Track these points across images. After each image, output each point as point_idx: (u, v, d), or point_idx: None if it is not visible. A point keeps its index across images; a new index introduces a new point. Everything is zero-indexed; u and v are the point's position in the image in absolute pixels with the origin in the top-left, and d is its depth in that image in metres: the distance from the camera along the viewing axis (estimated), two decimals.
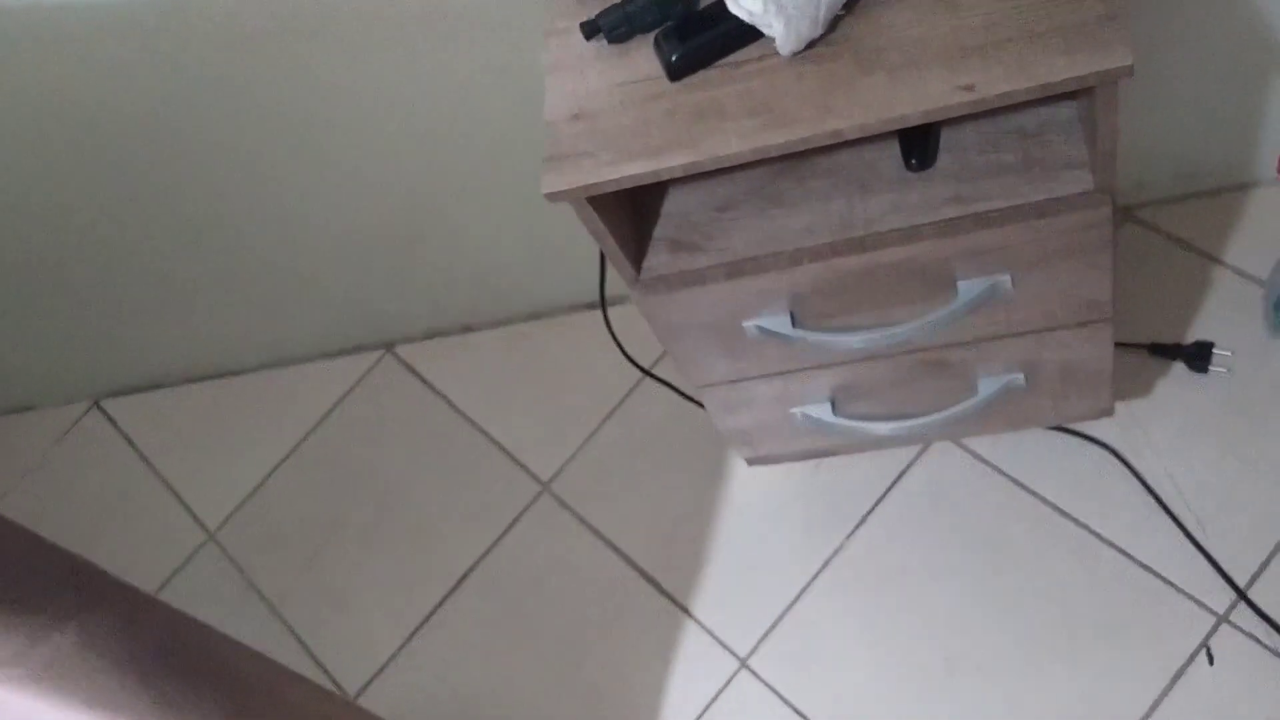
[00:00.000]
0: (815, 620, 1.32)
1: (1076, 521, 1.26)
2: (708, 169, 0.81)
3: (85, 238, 1.51)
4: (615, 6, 0.85)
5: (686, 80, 0.83)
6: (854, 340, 0.97)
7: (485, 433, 1.58)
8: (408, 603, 1.49)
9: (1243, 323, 1.29)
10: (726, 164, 0.81)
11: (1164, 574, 1.21)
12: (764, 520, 1.39)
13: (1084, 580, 1.24)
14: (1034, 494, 1.29)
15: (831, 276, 0.93)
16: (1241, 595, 1.18)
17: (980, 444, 1.34)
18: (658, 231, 0.97)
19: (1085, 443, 1.29)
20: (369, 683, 1.46)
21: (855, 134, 0.79)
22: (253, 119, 1.29)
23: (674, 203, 0.98)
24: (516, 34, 1.15)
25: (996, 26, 0.78)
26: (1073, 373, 1.06)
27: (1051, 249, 0.90)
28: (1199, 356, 1.28)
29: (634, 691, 1.34)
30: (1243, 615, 1.18)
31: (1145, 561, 1.22)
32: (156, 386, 1.81)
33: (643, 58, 0.85)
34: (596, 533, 1.45)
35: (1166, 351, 1.29)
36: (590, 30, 0.86)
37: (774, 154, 0.80)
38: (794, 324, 0.97)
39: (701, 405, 1.33)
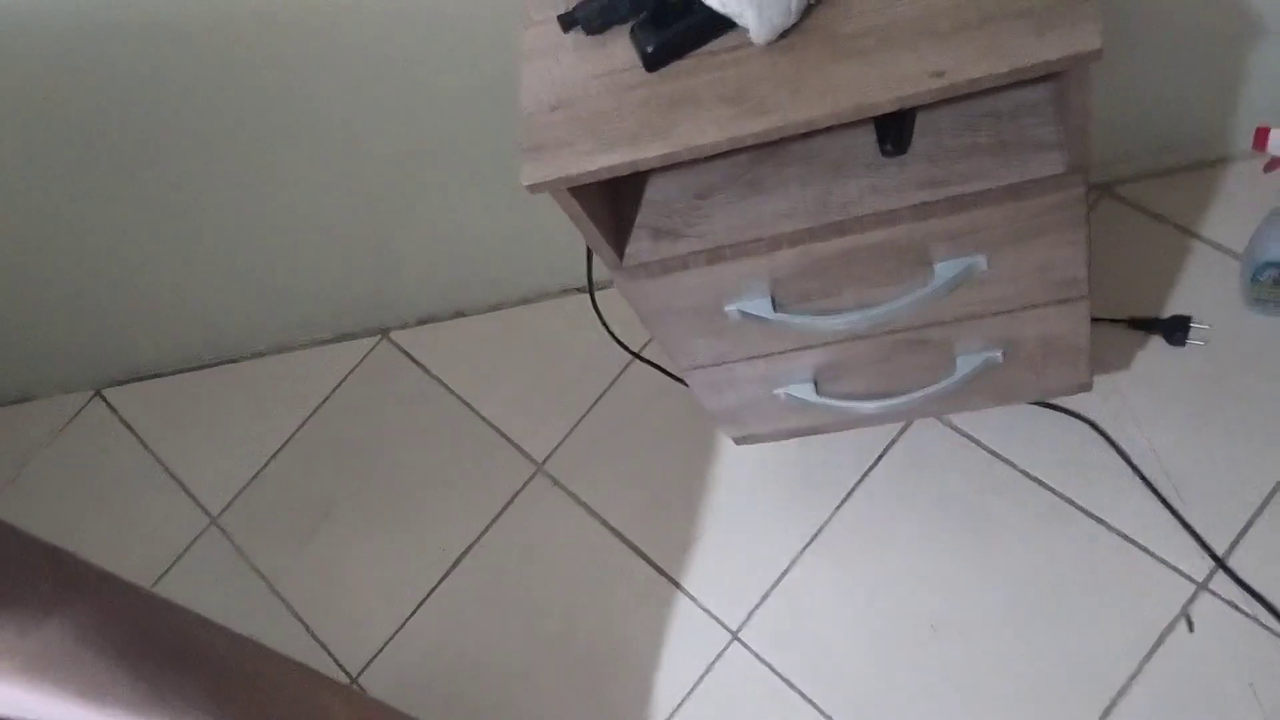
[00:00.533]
0: (804, 592, 1.34)
1: (1058, 494, 1.29)
2: (685, 159, 0.83)
3: (84, 230, 1.52)
4: None
5: (663, 70, 0.85)
6: (834, 322, 0.99)
7: (480, 415, 1.60)
8: (407, 583, 1.52)
9: (1220, 296, 1.31)
10: (703, 153, 0.82)
11: (1144, 543, 1.24)
12: (753, 496, 1.41)
13: (1066, 550, 1.26)
14: (1016, 467, 1.31)
15: (810, 260, 0.95)
16: (1220, 563, 1.21)
17: (962, 419, 1.36)
18: (639, 218, 0.99)
19: (1066, 417, 1.31)
20: (370, 661, 1.49)
21: (828, 122, 0.80)
22: (244, 110, 1.30)
23: (654, 190, 1.00)
24: (501, 21, 1.16)
25: (967, 9, 0.79)
26: (1051, 349, 1.08)
27: (1026, 229, 0.91)
28: (1177, 330, 1.30)
29: (629, 666, 1.37)
30: (1221, 583, 1.20)
31: (1125, 531, 1.25)
32: (157, 375, 1.83)
33: (619, 49, 0.87)
34: (590, 510, 1.48)
35: (1145, 325, 1.31)
36: (568, 22, 0.87)
37: (749, 143, 0.82)
38: (775, 307, 0.99)
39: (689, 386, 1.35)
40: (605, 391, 1.55)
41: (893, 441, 1.38)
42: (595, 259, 1.13)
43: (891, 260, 0.95)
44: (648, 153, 0.82)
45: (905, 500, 1.34)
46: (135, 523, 1.71)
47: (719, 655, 1.35)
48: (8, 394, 1.88)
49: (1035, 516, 1.29)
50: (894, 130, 0.93)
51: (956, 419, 1.36)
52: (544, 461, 1.54)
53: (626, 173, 0.84)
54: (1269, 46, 1.22)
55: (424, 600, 1.50)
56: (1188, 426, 1.27)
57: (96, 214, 1.49)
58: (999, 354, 1.07)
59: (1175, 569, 1.22)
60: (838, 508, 1.37)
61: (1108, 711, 1.19)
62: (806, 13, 0.83)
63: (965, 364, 1.08)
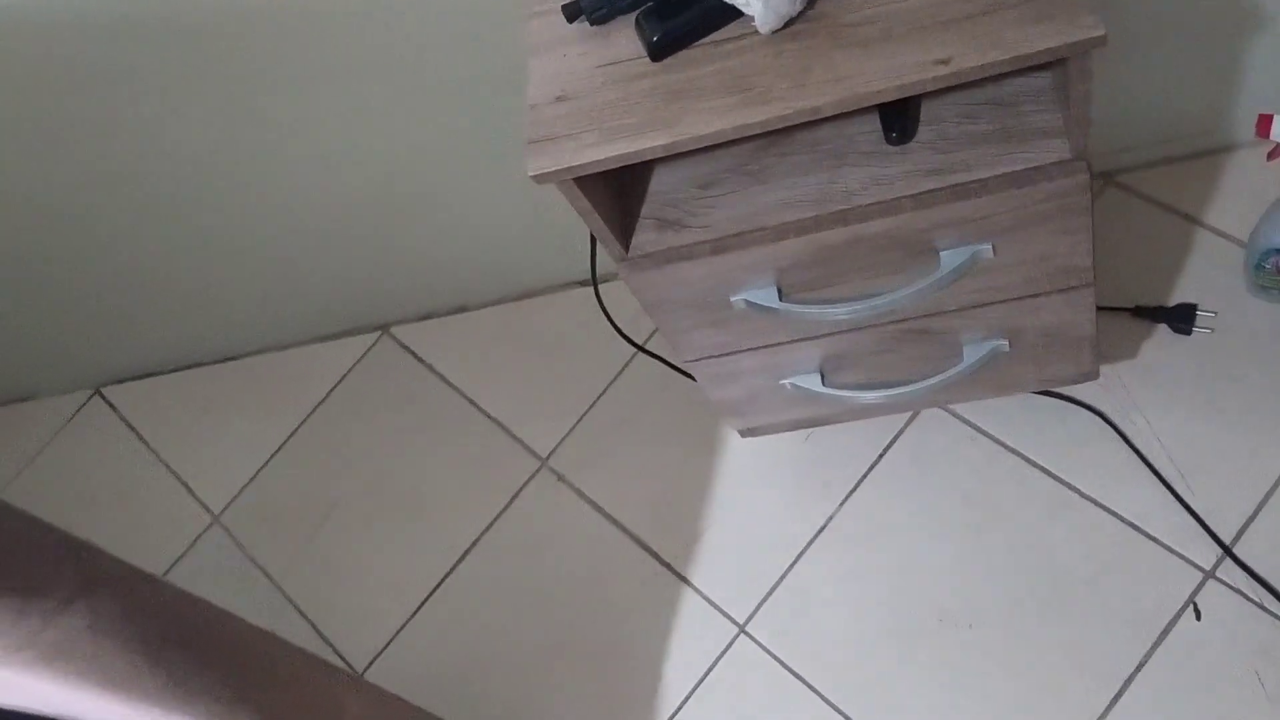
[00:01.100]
0: (811, 585, 1.34)
1: (1064, 483, 1.29)
2: (690, 148, 0.83)
3: (83, 229, 1.52)
4: None
5: (668, 60, 0.85)
6: (840, 311, 0.99)
7: (483, 410, 1.60)
8: (411, 579, 1.52)
9: (1225, 284, 1.31)
10: (708, 143, 0.82)
11: (1151, 531, 1.24)
12: (759, 489, 1.41)
13: (1073, 539, 1.26)
14: (1022, 457, 1.31)
15: (815, 249, 0.95)
16: (1227, 551, 1.21)
17: (968, 410, 1.36)
18: (644, 209, 0.98)
19: (1071, 406, 1.31)
20: (375, 658, 1.48)
21: (833, 110, 0.80)
22: (244, 104, 1.30)
23: (659, 181, 1.00)
24: (504, 13, 1.16)
25: None
26: (1056, 338, 1.08)
27: (1030, 217, 0.91)
28: (1182, 318, 1.29)
29: (636, 660, 1.37)
30: (1229, 571, 1.20)
31: (1132, 520, 1.25)
32: (157, 373, 1.83)
33: (624, 39, 0.86)
34: (595, 505, 1.48)
35: (1150, 314, 1.31)
36: (572, 13, 0.87)
37: (754, 132, 0.81)
38: (780, 297, 0.99)
39: (694, 379, 1.35)
40: (609, 385, 1.54)
41: (899, 433, 1.38)
42: (599, 252, 1.13)
43: (897, 249, 0.95)
44: (653, 142, 0.82)
45: (912, 492, 1.34)
46: (137, 521, 1.70)
47: (726, 648, 1.34)
48: (8, 393, 1.88)
49: (1042, 506, 1.28)
50: (899, 119, 0.92)
51: (962, 409, 1.36)
52: (548, 456, 1.53)
53: (632, 163, 0.83)
54: (1271, 34, 1.22)
55: (429, 596, 1.50)
56: (1194, 414, 1.27)
57: (97, 211, 1.48)
58: (1005, 343, 1.07)
59: (1182, 557, 1.22)
60: (844, 500, 1.37)
61: (1115, 699, 1.18)
62: (811, 2, 0.83)
63: (972, 353, 1.08)
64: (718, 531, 1.41)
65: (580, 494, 1.49)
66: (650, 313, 1.03)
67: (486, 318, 1.66)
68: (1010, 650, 1.24)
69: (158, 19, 1.19)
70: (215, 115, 1.32)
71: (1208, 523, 1.22)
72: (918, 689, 1.25)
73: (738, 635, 1.35)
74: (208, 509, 1.68)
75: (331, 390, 1.70)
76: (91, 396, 1.85)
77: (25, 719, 0.67)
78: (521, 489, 1.53)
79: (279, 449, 1.68)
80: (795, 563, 1.36)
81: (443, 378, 1.64)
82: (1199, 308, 1.30)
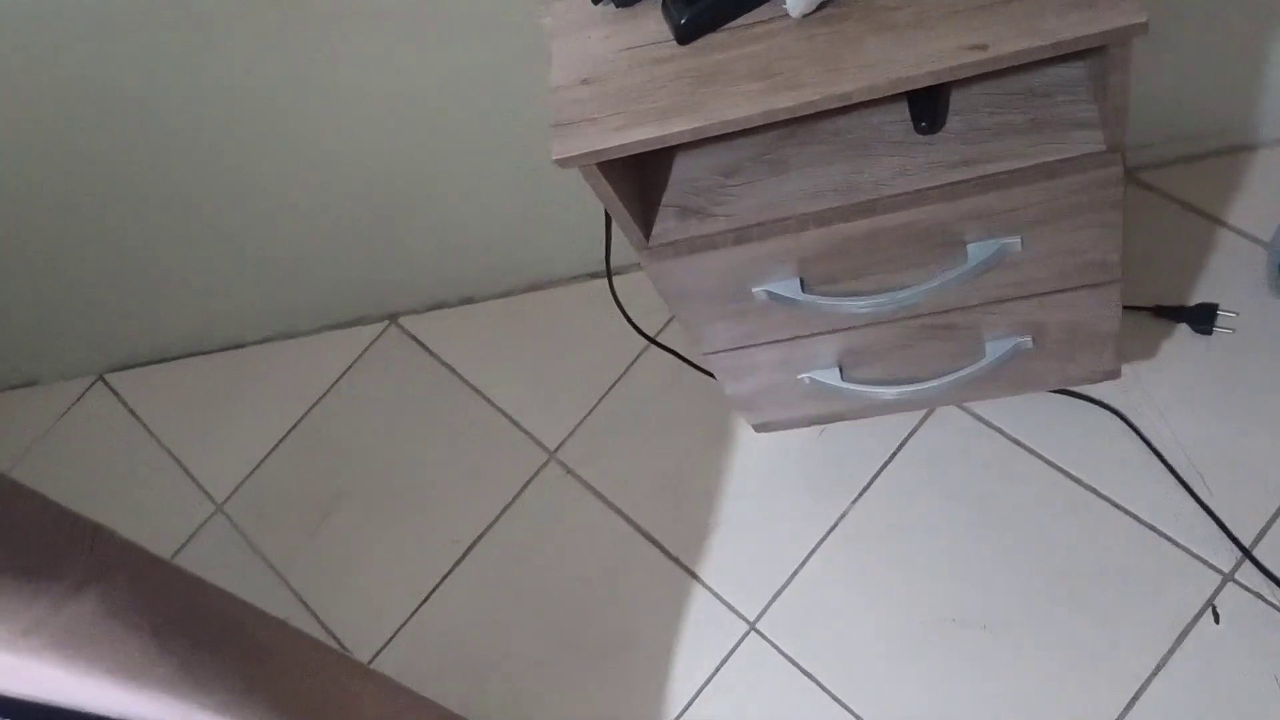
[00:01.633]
0: (823, 583, 1.33)
1: (1081, 483, 1.27)
2: (716, 133, 0.81)
3: (88, 214, 1.50)
4: None
5: (695, 44, 0.83)
6: (863, 305, 0.97)
7: (491, 402, 1.58)
8: (417, 571, 1.50)
9: (1246, 284, 1.29)
10: (735, 128, 0.80)
11: (1169, 533, 1.22)
12: (770, 485, 1.39)
13: (1089, 541, 1.24)
14: (1039, 456, 1.30)
15: (839, 240, 0.93)
16: (1247, 554, 1.19)
17: (984, 407, 1.34)
18: (666, 197, 0.97)
19: (1090, 405, 1.30)
20: (380, 650, 1.47)
21: (864, 96, 0.78)
22: (252, 92, 1.29)
23: (681, 168, 0.98)
24: (516, 1, 1.14)
25: None
26: (1080, 335, 1.07)
27: (1061, 210, 0.90)
28: (1203, 318, 1.28)
29: (645, 656, 1.36)
30: (1248, 574, 1.19)
31: (1151, 521, 1.23)
32: (161, 360, 1.81)
33: (650, 21, 0.85)
34: (604, 499, 1.46)
35: (1171, 313, 1.29)
36: None
37: (783, 117, 0.80)
38: (803, 288, 0.97)
39: (706, 372, 1.33)
40: (619, 378, 1.53)
41: (913, 430, 1.36)
42: (613, 243, 1.11)
43: (923, 241, 0.93)
44: (679, 127, 0.80)
45: (926, 490, 1.33)
46: (139, 509, 1.69)
47: (736, 645, 1.33)
48: (11, 378, 1.87)
49: (1058, 506, 1.27)
50: (928, 108, 0.91)
51: (978, 407, 1.34)
52: (556, 449, 1.52)
53: (657, 148, 0.82)
54: None
55: (435, 589, 1.49)
56: (1214, 415, 1.25)
57: (101, 197, 1.47)
58: (1029, 339, 1.05)
59: (1201, 559, 1.20)
60: (857, 497, 1.35)
61: (1132, 702, 1.17)
62: None
63: (994, 350, 1.06)
64: (728, 527, 1.39)
65: (589, 487, 1.48)
66: (670, 303, 1.01)
67: (495, 309, 1.65)
68: (1024, 651, 1.22)
69: (165, 4, 1.17)
70: (222, 102, 1.30)
71: (1227, 525, 1.21)
72: (930, 689, 1.24)
73: (748, 632, 1.33)
74: (211, 498, 1.66)
75: (338, 380, 1.68)
76: (95, 383, 1.83)
77: (34, 706, 0.66)
78: (529, 482, 1.51)
79: (284, 438, 1.66)
80: (807, 560, 1.34)
81: (451, 368, 1.63)
82: (1220, 308, 1.28)
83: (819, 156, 0.95)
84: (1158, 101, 1.29)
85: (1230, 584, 1.19)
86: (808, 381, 1.13)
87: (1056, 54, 0.76)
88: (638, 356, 1.53)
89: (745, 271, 0.97)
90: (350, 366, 1.69)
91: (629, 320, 1.32)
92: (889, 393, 1.12)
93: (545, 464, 1.51)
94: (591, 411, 1.52)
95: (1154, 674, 1.18)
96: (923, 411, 1.37)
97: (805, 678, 1.29)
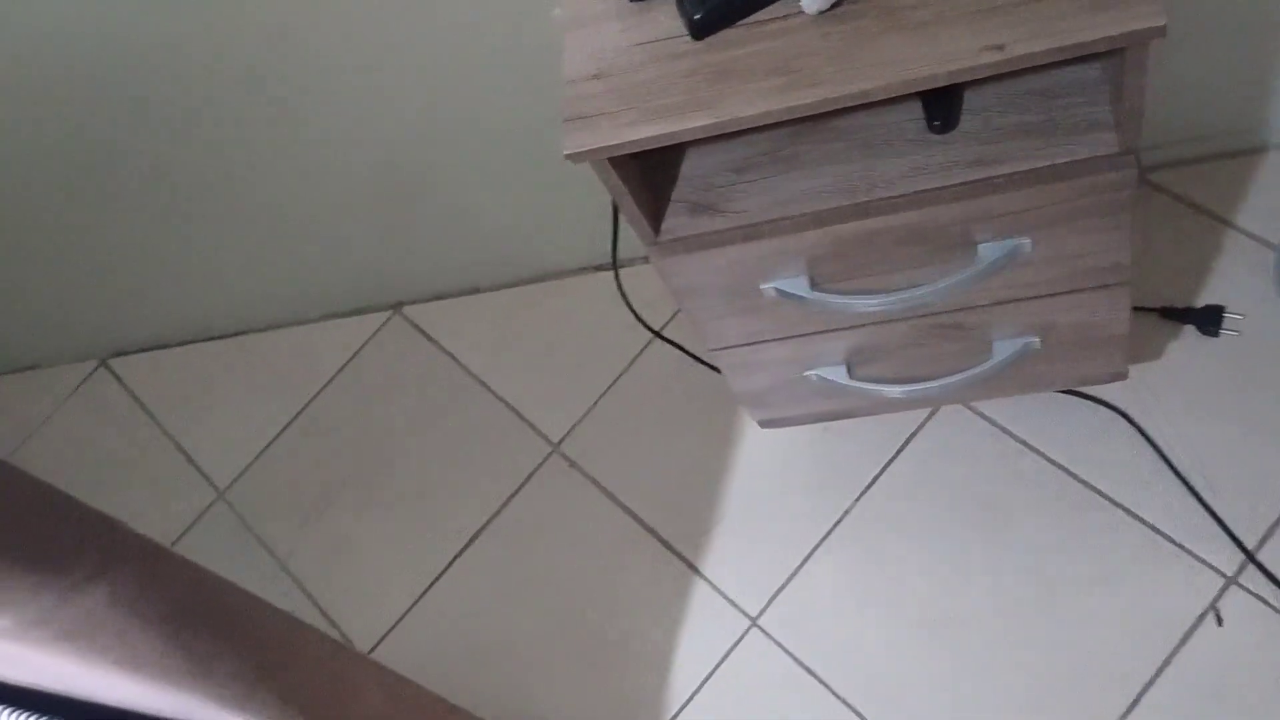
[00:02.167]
0: (825, 580, 1.32)
1: (1086, 484, 1.27)
2: (730, 130, 0.81)
3: (92, 199, 1.50)
4: None
5: (709, 40, 0.83)
6: (872, 303, 0.97)
7: (495, 393, 1.58)
8: (419, 561, 1.50)
9: (1254, 286, 1.29)
10: (749, 125, 0.80)
11: (1173, 535, 1.22)
12: (774, 481, 1.39)
13: (1093, 542, 1.24)
14: (1043, 456, 1.30)
15: (850, 239, 0.93)
16: (1250, 557, 1.19)
17: (989, 407, 1.34)
18: (676, 193, 0.96)
19: (1095, 406, 1.29)
20: (381, 640, 1.47)
21: (880, 95, 0.78)
22: (261, 79, 1.28)
23: (692, 164, 0.98)
24: None
25: None
26: (1089, 336, 1.06)
27: (1073, 211, 0.89)
28: (1210, 320, 1.28)
29: (645, 650, 1.36)
30: (1251, 577, 1.18)
31: (1154, 523, 1.23)
32: (164, 346, 1.81)
33: (665, 16, 0.84)
34: (606, 493, 1.46)
35: (1178, 315, 1.29)
36: None
37: (798, 115, 0.79)
38: (812, 286, 0.97)
39: (712, 367, 1.33)
40: (624, 372, 1.52)
41: (918, 429, 1.36)
42: (620, 235, 1.11)
43: (934, 241, 0.93)
44: (692, 123, 0.80)
45: (930, 488, 1.32)
46: (140, 495, 1.69)
47: (737, 641, 1.33)
48: (13, 362, 1.86)
49: (1063, 506, 1.27)
50: (943, 107, 0.90)
51: (983, 406, 1.34)
52: (560, 442, 1.52)
53: (669, 143, 0.81)
54: None
55: (436, 580, 1.48)
56: (1220, 418, 1.25)
57: (106, 183, 1.46)
58: (1037, 340, 1.05)
59: (1205, 562, 1.20)
60: (861, 495, 1.35)
61: (1134, 705, 1.17)
62: None
63: (1002, 350, 1.06)
64: (731, 522, 1.39)
65: (592, 480, 1.48)
66: (678, 298, 1.01)
67: (500, 299, 1.64)
68: (1026, 651, 1.22)
69: None
70: (229, 88, 1.30)
71: (1231, 527, 1.20)
72: (930, 687, 1.24)
73: (749, 628, 1.33)
74: (213, 484, 1.66)
75: (341, 368, 1.68)
76: (98, 367, 1.83)
77: (43, 695, 0.66)
78: (532, 474, 1.51)
79: (287, 426, 1.66)
80: (809, 557, 1.34)
81: (454, 359, 1.62)
82: (1227, 310, 1.28)
83: (831, 154, 0.94)
84: (1167, 102, 1.29)
85: (1233, 587, 1.19)
86: (815, 379, 1.12)
87: (1073, 56, 0.75)
88: (643, 350, 1.52)
89: (755, 268, 0.96)
90: (354, 355, 1.69)
91: (634, 314, 1.31)
92: (896, 391, 1.12)
93: (548, 456, 1.51)
94: (595, 404, 1.52)
95: (1156, 676, 1.18)
96: (927, 410, 1.36)
97: (806, 674, 1.29)
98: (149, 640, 0.65)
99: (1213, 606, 1.19)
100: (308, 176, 1.44)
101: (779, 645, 1.31)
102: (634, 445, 1.48)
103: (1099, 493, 1.26)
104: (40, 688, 0.65)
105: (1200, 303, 1.30)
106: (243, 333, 1.77)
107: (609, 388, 1.52)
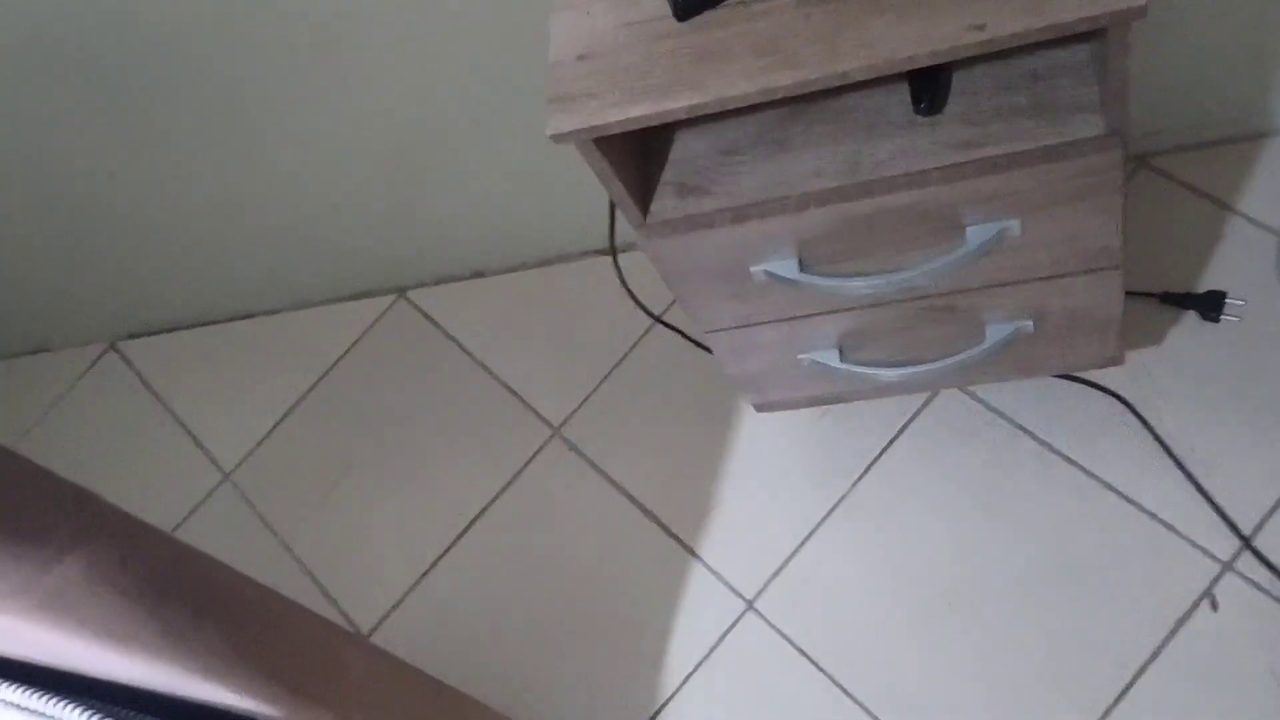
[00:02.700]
0: (822, 563, 1.33)
1: (1084, 469, 1.27)
2: (714, 110, 0.81)
3: (101, 182, 1.51)
4: None
5: (694, 20, 0.83)
6: (861, 285, 0.97)
7: (497, 377, 1.58)
8: (419, 543, 1.51)
9: (1256, 272, 1.28)
10: (733, 105, 0.80)
11: (1169, 521, 1.22)
12: (772, 465, 1.39)
13: (1089, 526, 1.24)
14: (1041, 441, 1.29)
15: (839, 221, 0.93)
16: (1246, 543, 1.19)
17: (987, 391, 1.34)
18: (664, 175, 0.97)
19: (1094, 391, 1.29)
20: (381, 621, 1.48)
21: (863, 75, 0.78)
22: (266, 63, 1.29)
23: (680, 146, 0.98)
24: None
25: None
26: (1082, 320, 1.06)
27: (1061, 194, 0.89)
28: (1211, 305, 1.27)
29: (642, 633, 1.36)
30: (1247, 563, 1.18)
31: (1151, 508, 1.23)
32: (172, 329, 1.82)
33: None
34: (606, 476, 1.47)
35: (1178, 300, 1.28)
36: None
37: (781, 95, 0.79)
38: (801, 268, 0.97)
39: (711, 351, 1.33)
40: (625, 356, 1.53)
41: (916, 413, 1.36)
42: (619, 220, 1.11)
43: (922, 223, 0.93)
44: (677, 103, 0.80)
45: (927, 473, 1.32)
46: (148, 477, 1.70)
47: (733, 624, 1.33)
48: (23, 345, 1.88)
49: (1059, 491, 1.27)
50: (929, 88, 0.90)
51: (980, 391, 1.34)
52: (560, 425, 1.52)
53: (654, 124, 0.82)
54: None
55: (436, 562, 1.50)
56: (1219, 404, 1.24)
57: (114, 165, 1.48)
58: (1030, 324, 1.05)
59: (1201, 548, 1.20)
60: (858, 479, 1.35)
61: (1127, 689, 1.17)
62: None
63: (994, 333, 1.06)
64: (729, 506, 1.40)
65: (592, 464, 1.48)
66: (668, 281, 1.01)
67: (503, 284, 1.65)
68: (1021, 635, 1.22)
69: None
70: (235, 72, 1.30)
71: (1228, 514, 1.20)
72: (925, 671, 1.24)
73: (745, 611, 1.34)
74: (219, 466, 1.68)
75: (346, 352, 1.69)
76: (106, 350, 1.85)
77: (22, 667, 0.67)
78: (533, 458, 1.52)
79: (292, 409, 1.68)
80: (806, 540, 1.34)
81: (457, 343, 1.63)
82: (1228, 295, 1.27)
83: (820, 136, 0.94)
84: (1170, 87, 1.28)
85: (1229, 573, 1.18)
86: (808, 362, 1.12)
87: (1056, 36, 0.75)
88: (643, 335, 1.53)
89: (744, 250, 0.96)
90: (359, 339, 1.70)
91: (633, 297, 1.32)
92: (890, 374, 1.12)
93: (549, 440, 1.52)
94: (596, 389, 1.53)
95: (1150, 661, 1.17)
96: (925, 395, 1.36)
97: (802, 657, 1.29)
98: (127, 611, 0.66)
99: (1208, 592, 1.18)
100: (315, 162, 1.45)
101: (775, 628, 1.31)
102: (634, 429, 1.48)
103: (1096, 478, 1.26)
104: (20, 657, 0.66)
105: (1201, 288, 1.29)
106: (250, 316, 1.78)
107: (610, 372, 1.53)
